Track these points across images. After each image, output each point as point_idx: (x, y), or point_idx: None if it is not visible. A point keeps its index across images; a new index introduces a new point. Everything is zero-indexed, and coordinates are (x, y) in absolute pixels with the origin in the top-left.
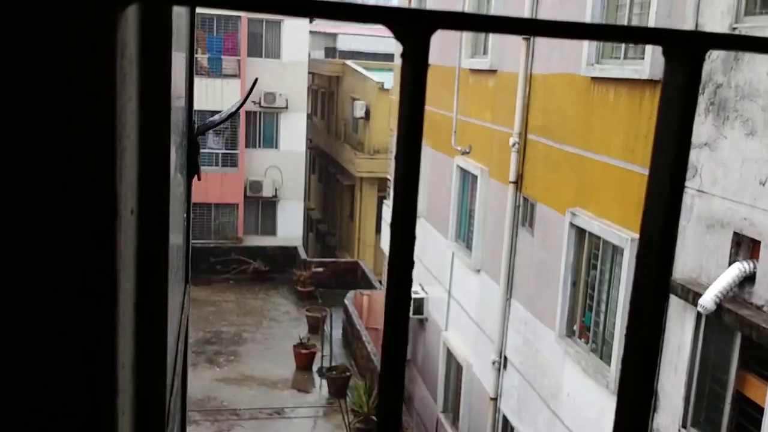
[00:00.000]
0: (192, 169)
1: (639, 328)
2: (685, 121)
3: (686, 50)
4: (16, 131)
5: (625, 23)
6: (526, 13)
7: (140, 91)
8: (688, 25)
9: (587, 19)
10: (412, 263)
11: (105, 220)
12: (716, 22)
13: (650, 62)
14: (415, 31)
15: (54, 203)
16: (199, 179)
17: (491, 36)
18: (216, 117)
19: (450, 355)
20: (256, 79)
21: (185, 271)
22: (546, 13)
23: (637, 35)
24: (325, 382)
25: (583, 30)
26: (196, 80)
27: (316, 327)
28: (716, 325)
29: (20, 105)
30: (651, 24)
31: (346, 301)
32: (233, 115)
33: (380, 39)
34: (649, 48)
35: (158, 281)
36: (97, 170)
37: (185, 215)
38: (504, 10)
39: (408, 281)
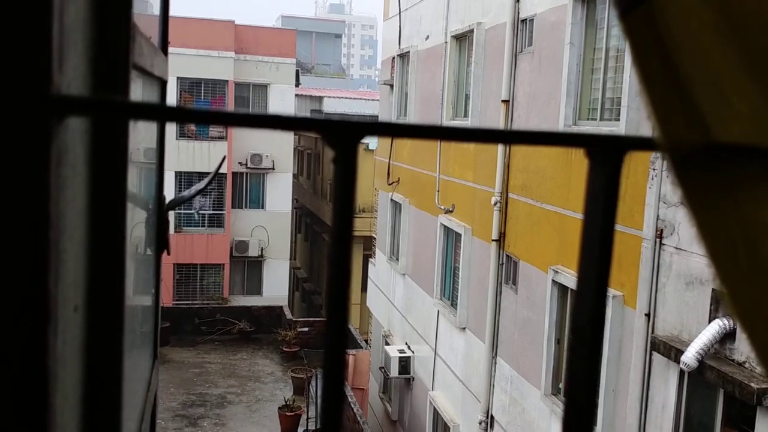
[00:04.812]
0: (161, 245)
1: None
2: (607, 216)
3: (607, 152)
4: None
5: (600, 87)
6: (505, 78)
7: (90, 190)
8: None
9: (563, 81)
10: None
11: (36, 323)
12: None
13: (625, 122)
14: (343, 139)
15: None
16: (168, 254)
17: (472, 98)
18: (185, 193)
19: (437, 415)
20: (224, 157)
21: (153, 348)
22: (524, 78)
23: (560, 140)
24: None
25: (507, 135)
26: (184, 143)
27: (301, 388)
28: (699, 383)
29: None
30: (626, 87)
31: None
32: (201, 192)
33: (364, 101)
34: (624, 108)
35: (111, 373)
36: (26, 279)
37: (154, 291)
38: (484, 75)
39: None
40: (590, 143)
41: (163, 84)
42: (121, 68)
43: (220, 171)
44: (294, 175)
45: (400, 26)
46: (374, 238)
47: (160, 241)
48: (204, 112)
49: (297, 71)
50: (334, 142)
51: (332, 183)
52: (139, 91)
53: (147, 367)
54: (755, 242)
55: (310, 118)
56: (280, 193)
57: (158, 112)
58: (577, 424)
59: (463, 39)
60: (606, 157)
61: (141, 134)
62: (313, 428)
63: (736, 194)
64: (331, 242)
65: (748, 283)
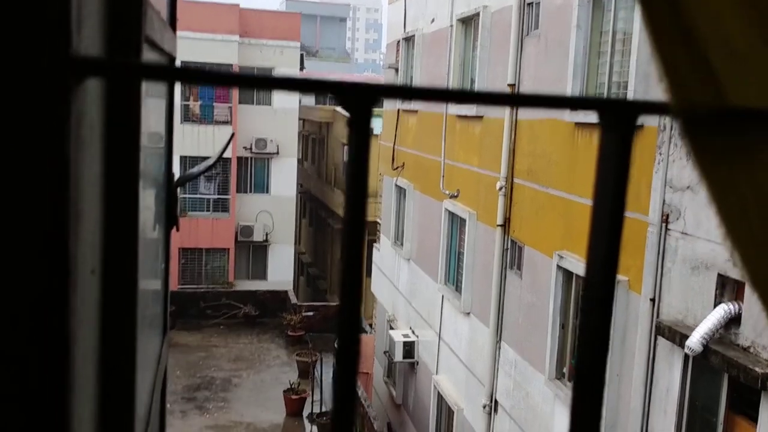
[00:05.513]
0: (170, 220)
1: (590, 344)
2: (619, 182)
3: (619, 116)
4: None
5: (606, 70)
6: (511, 61)
7: (105, 156)
8: None
9: (570, 65)
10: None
11: (56, 280)
12: None
13: None
14: (358, 101)
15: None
16: (177, 230)
17: (477, 82)
18: (194, 169)
19: (441, 399)
20: (233, 134)
21: (163, 322)
22: (530, 62)
23: (572, 103)
24: (315, 428)
25: (519, 99)
26: (189, 127)
27: (306, 372)
28: (704, 367)
29: None
30: (632, 70)
31: (336, 346)
32: (211, 168)
33: None
34: (631, 92)
35: (125, 338)
36: (48, 235)
37: (163, 266)
38: (490, 59)
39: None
40: (602, 107)
41: (171, 60)
42: (133, 39)
43: (225, 155)
44: (298, 160)
45: (405, 9)
46: (379, 224)
47: (169, 217)
48: (218, 74)
49: (301, 55)
50: (350, 105)
51: (347, 145)
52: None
53: (157, 341)
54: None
55: (325, 80)
56: (284, 178)
57: (173, 73)
58: (585, 409)
59: (468, 22)
60: (618, 121)
61: (150, 118)
62: (318, 411)
63: (749, 157)
64: (346, 205)
65: (759, 244)
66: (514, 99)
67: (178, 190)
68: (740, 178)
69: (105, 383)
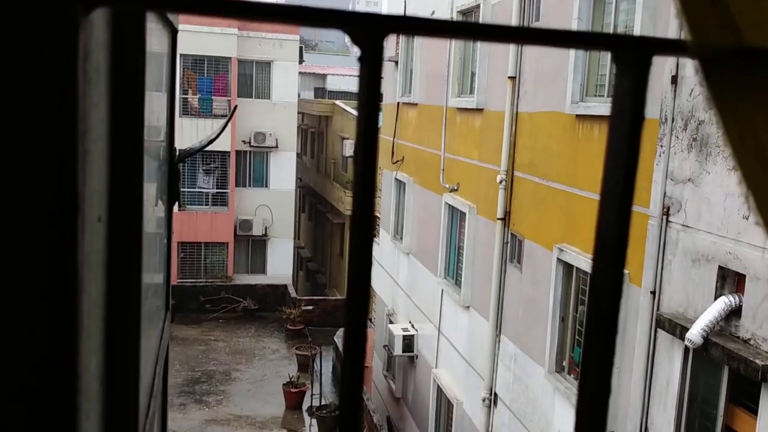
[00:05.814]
0: (173, 196)
1: (598, 326)
2: (634, 124)
3: (633, 54)
4: None
5: (607, 63)
6: (511, 54)
7: (110, 101)
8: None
9: (571, 57)
10: (370, 262)
11: (65, 218)
12: None
13: None
14: (370, 33)
15: (11, 198)
16: (179, 206)
17: (478, 75)
18: (196, 144)
19: (440, 393)
20: (235, 107)
21: (166, 299)
22: (531, 54)
23: (585, 40)
24: (315, 421)
25: (532, 34)
26: (188, 120)
27: (305, 365)
28: (704, 360)
29: None
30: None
31: (335, 339)
32: (212, 142)
33: None
34: None
35: (130, 289)
36: (56, 168)
37: (166, 241)
38: (490, 52)
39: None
40: (616, 45)
41: (174, 33)
42: None
43: (224, 149)
44: (297, 154)
45: (404, 2)
46: (378, 218)
47: (172, 192)
48: (225, 2)
49: (301, 48)
50: (361, 37)
51: (358, 85)
52: (154, 35)
53: (160, 316)
54: None
55: (336, 10)
56: (283, 171)
57: (182, 2)
58: (592, 404)
59: (469, 14)
60: (633, 59)
61: (152, 103)
62: (318, 404)
63: (766, 98)
64: (356, 145)
65: None
66: (523, 33)
67: (180, 166)
68: (757, 118)
69: (111, 331)
